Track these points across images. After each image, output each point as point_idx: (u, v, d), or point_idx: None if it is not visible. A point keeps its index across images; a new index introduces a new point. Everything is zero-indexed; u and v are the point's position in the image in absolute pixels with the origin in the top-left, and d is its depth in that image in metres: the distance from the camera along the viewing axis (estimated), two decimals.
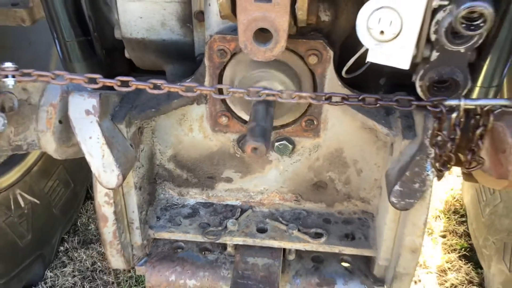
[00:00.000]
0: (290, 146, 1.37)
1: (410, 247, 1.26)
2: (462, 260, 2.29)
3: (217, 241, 1.42)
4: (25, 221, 2.06)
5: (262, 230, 1.44)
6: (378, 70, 1.16)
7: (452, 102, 0.98)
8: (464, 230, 2.41)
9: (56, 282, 2.19)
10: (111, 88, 1.08)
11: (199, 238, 1.43)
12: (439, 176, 1.07)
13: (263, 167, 1.44)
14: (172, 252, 1.49)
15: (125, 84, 1.07)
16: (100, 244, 2.37)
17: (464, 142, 1.05)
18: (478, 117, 1.01)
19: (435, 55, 1.01)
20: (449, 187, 2.67)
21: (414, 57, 1.01)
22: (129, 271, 2.22)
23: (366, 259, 1.45)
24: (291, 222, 1.45)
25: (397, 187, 1.11)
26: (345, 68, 1.17)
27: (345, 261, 1.48)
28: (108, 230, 1.32)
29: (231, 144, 1.40)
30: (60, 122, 1.19)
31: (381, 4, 0.93)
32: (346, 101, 1.06)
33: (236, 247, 1.45)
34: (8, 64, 1.06)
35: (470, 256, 2.29)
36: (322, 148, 1.38)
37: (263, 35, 1.00)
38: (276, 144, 1.37)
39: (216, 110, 1.32)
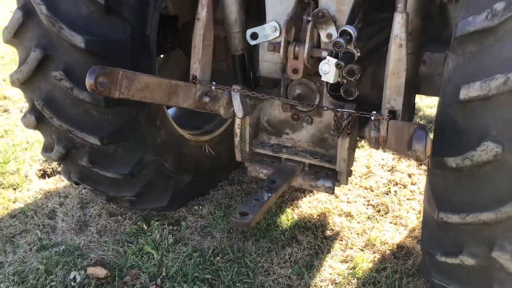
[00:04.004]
0: (310, 119, 3.36)
1: (343, 158, 3.16)
2: None
3: (277, 155, 3.47)
4: (206, 158, 4.35)
5: (295, 153, 3.42)
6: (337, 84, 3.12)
7: (338, 109, 2.95)
8: None
9: (213, 197, 4.42)
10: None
11: (271, 153, 3.48)
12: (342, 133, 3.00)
13: (300, 129, 3.47)
14: (260, 159, 3.53)
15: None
16: (236, 184, 4.57)
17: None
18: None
19: (344, 81, 2.99)
20: None
21: (339, 81, 3.00)
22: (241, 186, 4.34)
23: (335, 172, 3.33)
24: (308, 152, 3.44)
25: (331, 130, 3.06)
26: (328, 88, 3.20)
27: (327, 173, 3.39)
28: (237, 140, 3.45)
29: (289, 117, 3.47)
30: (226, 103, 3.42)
31: (327, 61, 2.97)
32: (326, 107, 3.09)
33: (284, 159, 3.48)
34: None
35: None
36: (323, 122, 3.36)
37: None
38: (305, 118, 3.40)
39: (284, 103, 3.43)
